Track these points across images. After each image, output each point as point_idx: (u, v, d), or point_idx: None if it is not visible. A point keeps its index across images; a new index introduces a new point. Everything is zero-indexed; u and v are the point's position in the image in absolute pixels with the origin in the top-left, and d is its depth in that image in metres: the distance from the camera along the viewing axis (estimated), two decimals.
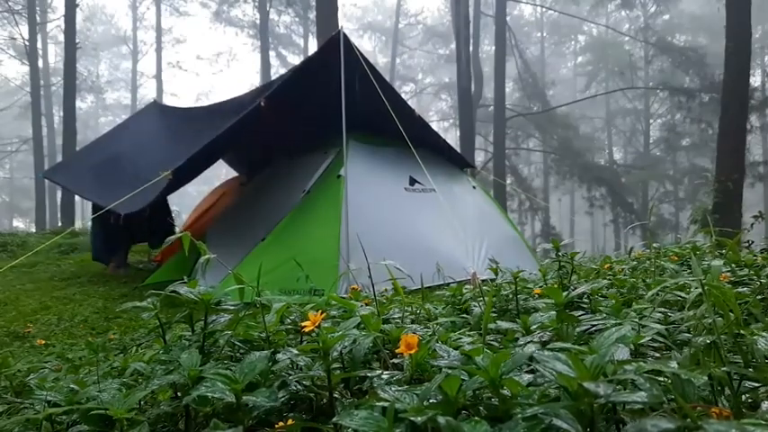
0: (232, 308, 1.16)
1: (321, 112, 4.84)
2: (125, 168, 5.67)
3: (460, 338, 1.05)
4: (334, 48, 4.50)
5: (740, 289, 1.34)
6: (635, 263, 2.17)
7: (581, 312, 1.25)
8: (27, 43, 19.27)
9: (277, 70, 26.59)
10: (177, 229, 8.14)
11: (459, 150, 6.27)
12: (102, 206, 4.64)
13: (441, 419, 0.55)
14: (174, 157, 4.83)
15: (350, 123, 4.44)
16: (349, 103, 4.38)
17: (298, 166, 5.23)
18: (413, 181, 5.00)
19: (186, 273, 4.16)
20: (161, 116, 6.99)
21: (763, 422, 0.52)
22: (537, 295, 1.60)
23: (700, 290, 0.87)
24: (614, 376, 0.59)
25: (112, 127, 7.85)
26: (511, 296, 1.57)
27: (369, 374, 0.88)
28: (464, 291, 1.74)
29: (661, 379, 0.70)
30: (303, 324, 0.95)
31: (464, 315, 1.51)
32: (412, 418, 0.58)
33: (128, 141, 6.46)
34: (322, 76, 4.66)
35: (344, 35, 4.54)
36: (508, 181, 19.69)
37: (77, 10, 14.46)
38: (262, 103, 4.47)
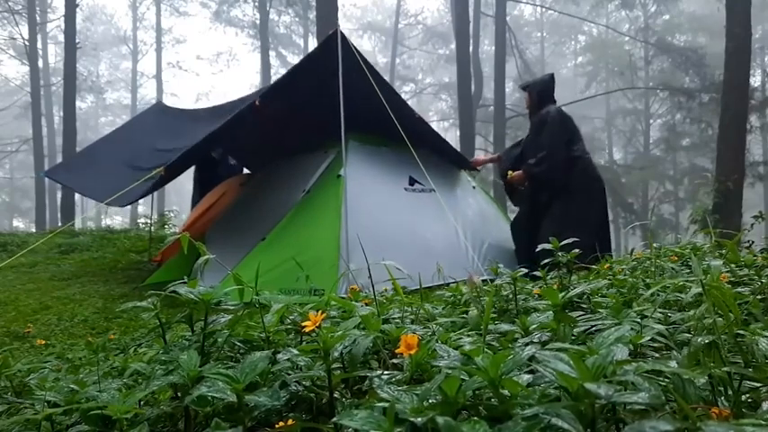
0: (232, 308, 1.15)
1: (320, 112, 4.84)
2: (126, 167, 5.69)
3: (460, 338, 1.05)
4: (332, 47, 4.50)
5: (740, 289, 1.34)
6: (635, 263, 2.17)
7: (580, 312, 1.25)
8: (27, 43, 19.29)
9: (277, 70, 26.62)
10: (177, 230, 8.15)
11: (459, 150, 6.27)
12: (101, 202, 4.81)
13: (439, 419, 0.55)
14: (174, 156, 4.88)
15: (349, 123, 4.43)
16: (348, 103, 4.38)
17: (297, 166, 5.24)
18: (412, 181, 5.00)
19: (186, 273, 4.17)
20: (164, 117, 7.01)
21: (763, 422, 0.52)
22: (537, 295, 1.61)
23: (699, 290, 0.87)
24: (615, 377, 0.59)
25: (114, 128, 7.89)
26: (510, 296, 1.57)
27: (369, 374, 0.88)
28: (464, 291, 1.74)
29: (662, 379, 0.70)
30: (303, 324, 0.95)
31: (464, 315, 1.51)
32: (411, 419, 0.58)
33: (130, 142, 6.50)
34: (320, 75, 4.66)
35: (342, 34, 4.53)
36: None
37: (77, 10, 14.47)
38: (256, 102, 4.48)
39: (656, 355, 1.00)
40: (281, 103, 4.78)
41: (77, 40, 14.05)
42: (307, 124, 5.36)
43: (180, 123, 6.54)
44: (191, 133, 5.74)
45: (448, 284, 3.13)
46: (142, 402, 0.99)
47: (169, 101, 29.57)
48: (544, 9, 29.30)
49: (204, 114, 6.54)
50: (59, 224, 14.23)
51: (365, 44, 35.47)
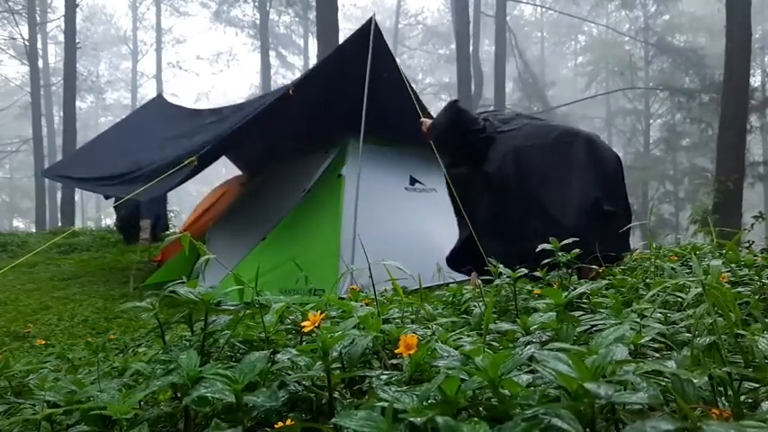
0: (232, 308, 1.15)
1: (324, 112, 4.82)
2: (129, 159, 5.59)
3: (460, 338, 1.05)
4: (363, 39, 4.41)
5: (740, 289, 1.34)
6: (635, 263, 2.17)
7: (581, 312, 1.25)
8: (27, 43, 19.28)
9: (277, 70, 26.62)
10: (177, 229, 8.15)
11: None
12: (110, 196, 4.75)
13: (439, 419, 0.55)
14: (178, 148, 4.81)
15: (352, 123, 4.43)
16: (355, 102, 4.35)
17: (298, 166, 5.23)
18: (413, 180, 5.00)
19: (187, 273, 4.16)
20: (166, 110, 6.98)
21: (763, 423, 0.52)
22: (537, 295, 1.60)
23: (699, 290, 0.87)
24: (614, 377, 0.59)
25: (113, 124, 7.84)
26: (511, 296, 1.57)
27: (368, 374, 0.88)
28: (464, 291, 1.74)
29: (661, 379, 0.70)
30: (303, 324, 0.95)
31: (464, 315, 1.51)
32: (411, 419, 0.57)
33: (132, 134, 6.45)
34: (347, 69, 4.56)
35: (376, 24, 4.45)
36: None
37: (77, 10, 14.47)
38: (290, 92, 4.35)
39: (657, 355, 1.00)
40: (305, 95, 4.62)
41: (77, 40, 14.06)
42: (312, 123, 5.32)
43: (183, 117, 6.46)
44: (195, 126, 5.67)
45: (448, 284, 3.13)
46: (142, 402, 0.99)
47: (169, 101, 29.50)
48: (544, 9, 29.32)
49: (206, 112, 6.49)
50: (59, 224, 14.22)
51: None
